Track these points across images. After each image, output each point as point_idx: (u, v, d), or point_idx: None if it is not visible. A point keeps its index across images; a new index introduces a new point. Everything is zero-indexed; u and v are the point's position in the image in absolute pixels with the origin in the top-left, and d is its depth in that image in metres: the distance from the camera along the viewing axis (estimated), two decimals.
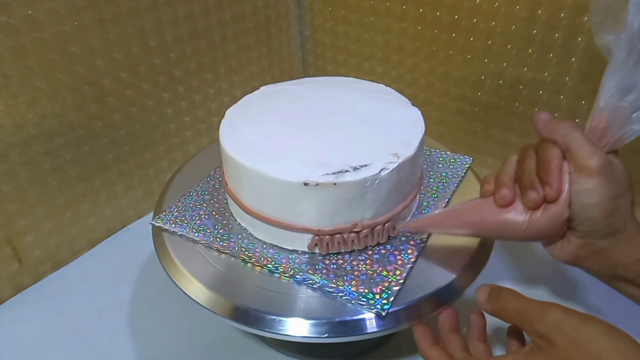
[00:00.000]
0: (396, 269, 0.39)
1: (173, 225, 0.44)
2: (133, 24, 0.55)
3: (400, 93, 0.48)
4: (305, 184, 0.37)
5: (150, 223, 0.45)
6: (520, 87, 0.60)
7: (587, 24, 0.52)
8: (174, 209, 0.47)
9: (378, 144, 0.40)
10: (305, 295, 0.38)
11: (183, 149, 0.67)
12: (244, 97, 0.49)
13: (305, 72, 0.83)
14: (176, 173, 0.52)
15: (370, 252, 0.41)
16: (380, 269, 0.39)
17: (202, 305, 0.38)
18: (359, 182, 0.37)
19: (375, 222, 0.40)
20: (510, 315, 0.34)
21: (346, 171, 0.37)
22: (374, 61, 0.72)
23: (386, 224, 0.40)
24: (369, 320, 0.36)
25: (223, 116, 0.45)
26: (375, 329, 0.36)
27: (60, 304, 0.53)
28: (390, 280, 0.38)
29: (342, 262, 0.40)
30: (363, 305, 0.36)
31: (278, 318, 0.36)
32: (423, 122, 0.43)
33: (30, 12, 0.46)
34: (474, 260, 0.41)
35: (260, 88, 0.50)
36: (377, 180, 0.37)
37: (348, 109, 0.45)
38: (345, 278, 0.39)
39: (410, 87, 0.70)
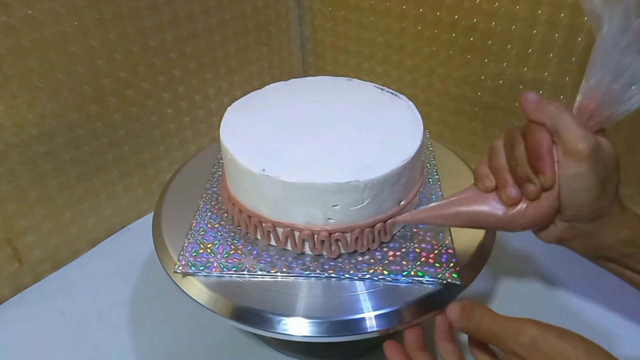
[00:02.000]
0: (257, 276, 0.39)
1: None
2: (133, 24, 0.55)
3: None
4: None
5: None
6: (520, 87, 0.60)
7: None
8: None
9: (323, 161, 0.39)
10: (306, 295, 0.38)
11: (183, 149, 0.67)
12: (291, 80, 0.51)
13: (305, 72, 0.83)
14: (176, 173, 0.52)
15: (276, 253, 0.42)
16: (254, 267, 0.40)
17: (202, 305, 0.38)
18: (258, 175, 0.38)
19: (276, 221, 0.40)
20: (484, 335, 0.33)
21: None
22: (374, 61, 0.72)
23: (284, 229, 0.40)
24: (369, 320, 0.36)
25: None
26: (376, 329, 0.36)
27: (60, 304, 0.53)
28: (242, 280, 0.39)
29: (246, 244, 0.42)
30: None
31: (278, 318, 0.36)
32: (387, 165, 0.38)
33: (30, 12, 0.46)
34: (474, 260, 0.41)
35: (309, 77, 0.52)
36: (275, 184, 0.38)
37: (345, 119, 0.44)
38: (229, 248, 0.42)
39: (410, 87, 0.70)
